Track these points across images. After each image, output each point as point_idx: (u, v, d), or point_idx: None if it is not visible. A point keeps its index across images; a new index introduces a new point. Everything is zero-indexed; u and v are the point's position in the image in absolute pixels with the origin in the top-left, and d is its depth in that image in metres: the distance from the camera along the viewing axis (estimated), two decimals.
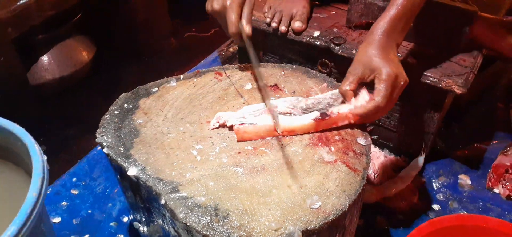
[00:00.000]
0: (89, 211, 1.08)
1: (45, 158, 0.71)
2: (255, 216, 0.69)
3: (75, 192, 1.13)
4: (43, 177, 0.67)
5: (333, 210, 0.71)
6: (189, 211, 0.70)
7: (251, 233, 0.67)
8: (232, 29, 0.89)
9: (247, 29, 0.90)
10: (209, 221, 0.68)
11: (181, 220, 0.69)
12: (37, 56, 1.88)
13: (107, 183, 1.15)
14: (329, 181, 0.75)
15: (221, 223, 0.68)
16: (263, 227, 0.68)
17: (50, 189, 1.12)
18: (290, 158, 0.80)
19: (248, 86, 0.97)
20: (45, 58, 1.90)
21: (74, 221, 1.06)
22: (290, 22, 1.20)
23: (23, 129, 0.75)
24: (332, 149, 0.82)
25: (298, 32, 1.19)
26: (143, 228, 0.95)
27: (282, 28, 1.19)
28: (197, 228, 0.68)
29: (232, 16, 0.89)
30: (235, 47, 1.61)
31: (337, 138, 0.84)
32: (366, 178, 0.78)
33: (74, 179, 1.16)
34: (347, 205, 0.72)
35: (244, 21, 0.90)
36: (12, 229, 0.60)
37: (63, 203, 1.09)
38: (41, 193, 0.65)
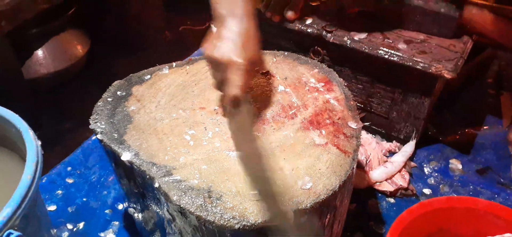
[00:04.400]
0: (84, 199, 1.09)
1: (39, 143, 0.72)
2: (247, 197, 0.71)
3: (70, 180, 1.13)
4: (38, 161, 0.68)
5: (323, 190, 0.72)
6: (183, 193, 0.71)
7: (244, 213, 0.68)
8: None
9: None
10: (202, 202, 0.70)
11: (175, 202, 0.70)
12: (31, 50, 1.89)
13: (102, 172, 1.16)
14: (320, 163, 0.77)
15: (214, 204, 0.69)
16: (256, 207, 0.69)
17: (45, 178, 1.13)
18: (282, 141, 0.81)
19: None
20: (39, 52, 1.90)
21: (70, 209, 1.06)
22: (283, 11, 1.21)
23: (17, 115, 0.76)
24: (323, 132, 0.83)
25: (291, 21, 1.20)
26: (138, 215, 0.96)
27: (276, 17, 1.19)
28: (190, 210, 0.69)
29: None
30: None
31: (328, 121, 0.86)
32: (356, 160, 0.80)
33: (69, 168, 1.16)
34: (338, 186, 0.73)
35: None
36: (7, 211, 0.61)
37: (58, 191, 1.10)
38: (36, 176, 0.66)
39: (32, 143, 0.70)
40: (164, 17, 2.39)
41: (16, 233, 0.61)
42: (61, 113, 1.96)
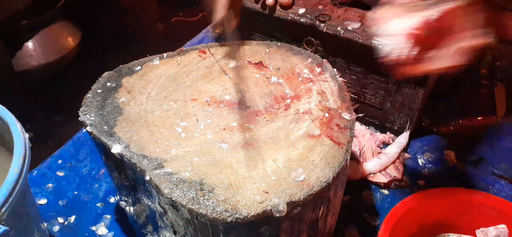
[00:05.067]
0: (75, 193, 1.08)
1: (27, 135, 0.71)
2: (240, 189, 0.70)
3: (61, 173, 1.12)
4: (25, 154, 0.67)
5: (317, 182, 0.71)
6: (174, 186, 0.70)
7: (237, 206, 0.67)
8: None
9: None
10: (194, 195, 0.69)
11: (166, 195, 0.69)
12: (21, 42, 1.86)
13: (93, 165, 1.14)
14: (313, 154, 0.76)
15: (206, 197, 0.68)
16: (248, 200, 0.68)
17: (36, 172, 1.11)
18: (275, 132, 0.80)
19: (233, 63, 0.96)
20: (29, 44, 1.88)
21: (61, 203, 1.05)
22: None
23: (4, 107, 0.74)
24: (317, 123, 0.82)
25: (285, 7, 1.18)
26: (129, 208, 0.95)
27: (269, 0, 1.18)
28: (182, 203, 0.68)
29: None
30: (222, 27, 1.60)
31: (321, 112, 0.85)
32: (350, 151, 0.79)
33: (60, 161, 1.15)
34: (331, 177, 0.72)
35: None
36: None
37: (49, 185, 1.09)
38: (23, 169, 0.65)
39: (19, 135, 0.69)
40: (156, 9, 2.37)
41: (3, 228, 0.60)
42: (54, 107, 1.94)
